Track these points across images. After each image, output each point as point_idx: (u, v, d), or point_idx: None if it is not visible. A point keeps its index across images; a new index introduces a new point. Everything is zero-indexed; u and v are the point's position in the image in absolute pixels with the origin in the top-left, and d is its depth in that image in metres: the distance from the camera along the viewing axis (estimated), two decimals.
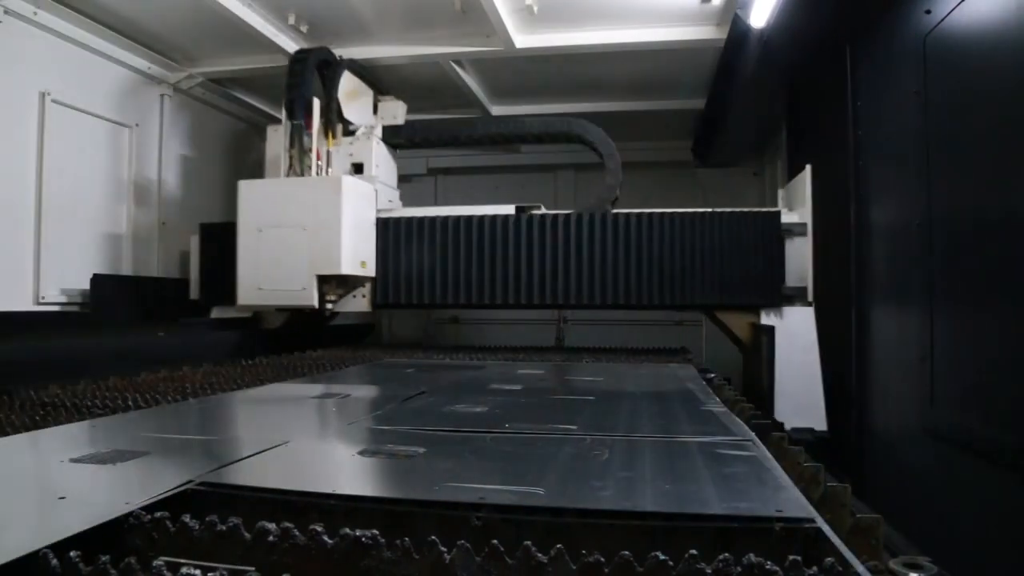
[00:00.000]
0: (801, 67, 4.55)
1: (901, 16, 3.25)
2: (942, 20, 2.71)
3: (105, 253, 4.61)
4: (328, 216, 4.32)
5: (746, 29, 4.00)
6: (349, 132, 4.98)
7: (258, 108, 6.28)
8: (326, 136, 4.75)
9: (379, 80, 5.36)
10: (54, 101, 4.13)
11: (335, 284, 4.50)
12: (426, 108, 6.43)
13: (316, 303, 4.37)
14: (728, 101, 5.18)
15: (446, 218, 4.76)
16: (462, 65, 5.34)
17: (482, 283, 4.74)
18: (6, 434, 1.78)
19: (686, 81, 5.63)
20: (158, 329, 4.33)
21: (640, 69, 5.39)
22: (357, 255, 4.50)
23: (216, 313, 4.93)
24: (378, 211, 4.77)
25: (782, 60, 4.25)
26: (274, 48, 4.81)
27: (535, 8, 4.34)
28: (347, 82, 4.93)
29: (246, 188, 4.53)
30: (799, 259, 4.42)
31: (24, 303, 3.96)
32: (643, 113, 6.27)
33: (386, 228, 4.76)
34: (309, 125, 4.56)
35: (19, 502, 1.23)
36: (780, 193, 5.00)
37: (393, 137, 5.18)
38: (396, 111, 5.25)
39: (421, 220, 4.78)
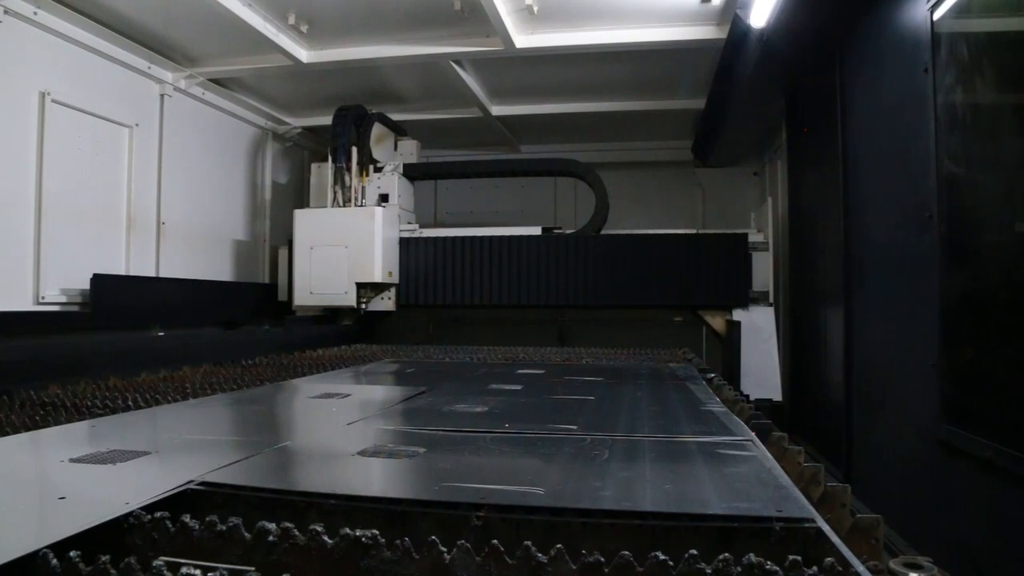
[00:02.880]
0: (801, 67, 4.55)
1: (889, 21, 3.30)
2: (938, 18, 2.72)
3: (106, 253, 4.62)
4: (365, 237, 5.65)
5: (746, 29, 4.00)
6: (377, 168, 6.10)
7: (258, 108, 6.29)
8: (361, 175, 5.94)
9: (398, 124, 6.43)
10: (54, 101, 4.12)
11: (369, 289, 5.79)
12: (426, 108, 6.45)
13: (355, 303, 5.68)
14: (728, 101, 5.19)
15: (452, 238, 5.97)
16: (462, 65, 5.34)
17: (484, 287, 5.90)
18: (6, 434, 1.78)
19: (686, 81, 5.63)
20: (215, 328, 5.31)
21: (640, 69, 5.39)
22: (386, 266, 5.72)
23: (299, 312, 6.04)
24: (400, 230, 6.04)
25: (782, 60, 4.25)
26: (274, 48, 4.81)
27: (535, 8, 4.34)
28: (375, 129, 6.05)
29: (300, 216, 5.83)
30: (763, 269, 5.57)
31: (24, 303, 3.96)
32: (643, 113, 6.27)
33: (407, 245, 6.03)
34: (349, 167, 5.84)
35: (19, 502, 1.23)
36: (752, 215, 6.06)
37: (411, 172, 6.40)
38: (411, 148, 6.51)
39: (433, 239, 6.01)
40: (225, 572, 0.87)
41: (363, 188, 5.97)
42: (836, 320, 4.12)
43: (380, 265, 5.68)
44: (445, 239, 6.01)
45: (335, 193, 5.91)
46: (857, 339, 3.81)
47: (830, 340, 4.31)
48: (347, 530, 0.94)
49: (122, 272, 4.73)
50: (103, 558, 0.85)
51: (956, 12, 2.57)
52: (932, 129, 2.71)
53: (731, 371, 5.28)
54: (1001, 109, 2.30)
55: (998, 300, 2.28)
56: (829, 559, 0.87)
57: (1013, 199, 2.22)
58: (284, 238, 6.35)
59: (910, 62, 2.94)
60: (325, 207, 5.91)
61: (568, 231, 6.09)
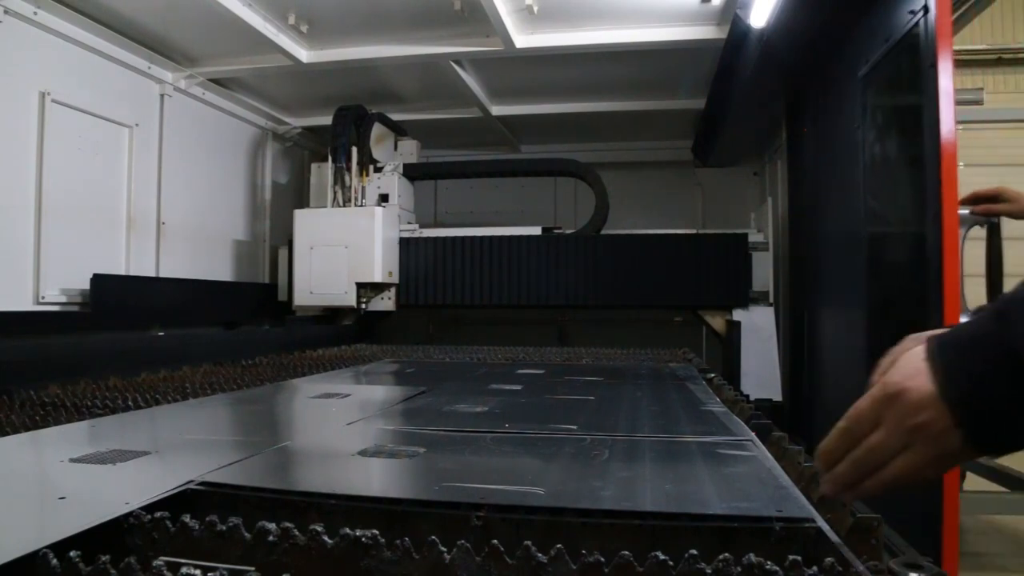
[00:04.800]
0: (800, 67, 4.56)
1: (840, 76, 3.90)
2: (873, 67, 3.30)
3: (106, 253, 4.62)
4: (365, 237, 5.68)
5: (746, 29, 4.00)
6: (377, 168, 6.08)
7: (258, 108, 6.29)
8: (361, 175, 5.95)
9: (398, 124, 6.43)
10: (54, 101, 4.12)
11: (369, 289, 5.84)
12: (426, 108, 6.45)
13: (355, 303, 5.72)
14: (728, 101, 5.19)
15: (452, 238, 5.98)
16: (462, 65, 5.34)
17: (484, 287, 5.87)
18: (6, 434, 1.78)
19: (686, 81, 5.63)
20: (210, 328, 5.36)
21: (640, 69, 5.39)
22: (386, 266, 5.81)
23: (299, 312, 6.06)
24: (400, 230, 6.07)
25: (782, 60, 4.25)
26: (274, 48, 4.81)
27: (535, 8, 4.34)
28: (375, 129, 6.04)
29: (300, 216, 5.87)
30: (763, 269, 5.60)
31: (24, 303, 3.96)
32: (643, 113, 6.27)
33: (407, 245, 6.05)
34: (349, 167, 5.84)
35: (19, 502, 1.23)
36: (752, 215, 6.10)
37: (411, 172, 6.39)
38: (411, 148, 6.51)
39: (433, 239, 6.02)
40: (225, 572, 0.87)
41: (363, 188, 5.96)
42: (810, 319, 4.84)
43: (380, 265, 5.68)
44: (445, 239, 6.00)
45: (335, 193, 5.91)
46: (818, 335, 4.54)
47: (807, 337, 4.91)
48: (347, 530, 0.94)
49: (122, 272, 4.73)
50: (103, 558, 0.85)
51: (876, 86, 3.30)
52: (861, 173, 3.47)
53: (731, 371, 5.27)
54: (898, 165, 3.03)
55: (897, 302, 3.04)
56: (829, 559, 0.87)
57: (904, 231, 2.93)
58: (284, 238, 6.35)
59: (850, 116, 3.66)
60: (325, 207, 5.91)
61: (568, 231, 6.08)
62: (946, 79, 2.40)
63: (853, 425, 0.92)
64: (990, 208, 2.88)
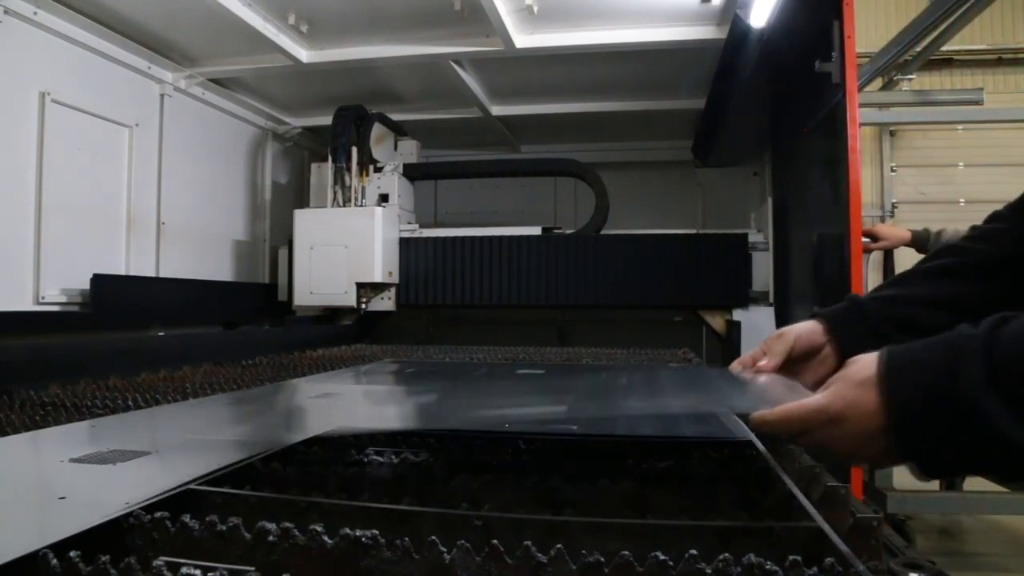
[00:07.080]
0: (800, 68, 4.56)
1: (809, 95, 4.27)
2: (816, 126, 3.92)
3: (106, 253, 4.62)
4: (365, 237, 5.68)
5: (746, 29, 4.00)
6: (377, 168, 6.07)
7: (258, 108, 6.29)
8: (361, 175, 5.94)
9: (398, 124, 6.43)
10: (54, 101, 4.12)
11: (369, 289, 5.84)
12: (426, 108, 6.45)
13: (355, 303, 5.71)
14: (728, 101, 5.19)
15: (452, 238, 5.98)
16: (462, 65, 5.34)
17: (484, 287, 5.86)
18: (6, 434, 1.78)
19: (686, 81, 5.63)
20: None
21: (640, 69, 5.39)
22: (386, 266, 5.75)
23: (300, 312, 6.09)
24: (400, 230, 6.06)
25: (782, 60, 4.25)
26: (274, 48, 4.81)
27: (535, 8, 4.34)
28: (375, 129, 6.03)
29: (300, 216, 5.87)
30: (763, 269, 5.62)
31: (24, 303, 3.96)
32: (643, 113, 6.27)
33: (407, 245, 6.07)
34: (349, 167, 5.83)
35: (19, 502, 1.23)
36: (752, 215, 6.08)
37: (411, 172, 6.37)
38: (411, 148, 6.49)
39: (433, 239, 6.03)
40: (225, 572, 0.87)
41: (363, 188, 5.97)
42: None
43: (380, 265, 5.68)
44: (445, 239, 6.00)
45: (335, 193, 5.92)
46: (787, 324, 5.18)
47: None
48: (347, 530, 0.94)
49: (122, 272, 4.73)
50: (103, 558, 0.85)
51: (817, 138, 4.02)
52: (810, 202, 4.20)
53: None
54: (829, 202, 3.72)
55: (834, 301, 3.60)
56: (829, 559, 0.87)
57: (828, 249, 3.72)
58: (284, 238, 6.34)
59: (804, 154, 4.40)
60: (325, 207, 5.92)
61: (568, 231, 6.08)
62: (854, 155, 3.23)
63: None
64: (867, 243, 3.83)
